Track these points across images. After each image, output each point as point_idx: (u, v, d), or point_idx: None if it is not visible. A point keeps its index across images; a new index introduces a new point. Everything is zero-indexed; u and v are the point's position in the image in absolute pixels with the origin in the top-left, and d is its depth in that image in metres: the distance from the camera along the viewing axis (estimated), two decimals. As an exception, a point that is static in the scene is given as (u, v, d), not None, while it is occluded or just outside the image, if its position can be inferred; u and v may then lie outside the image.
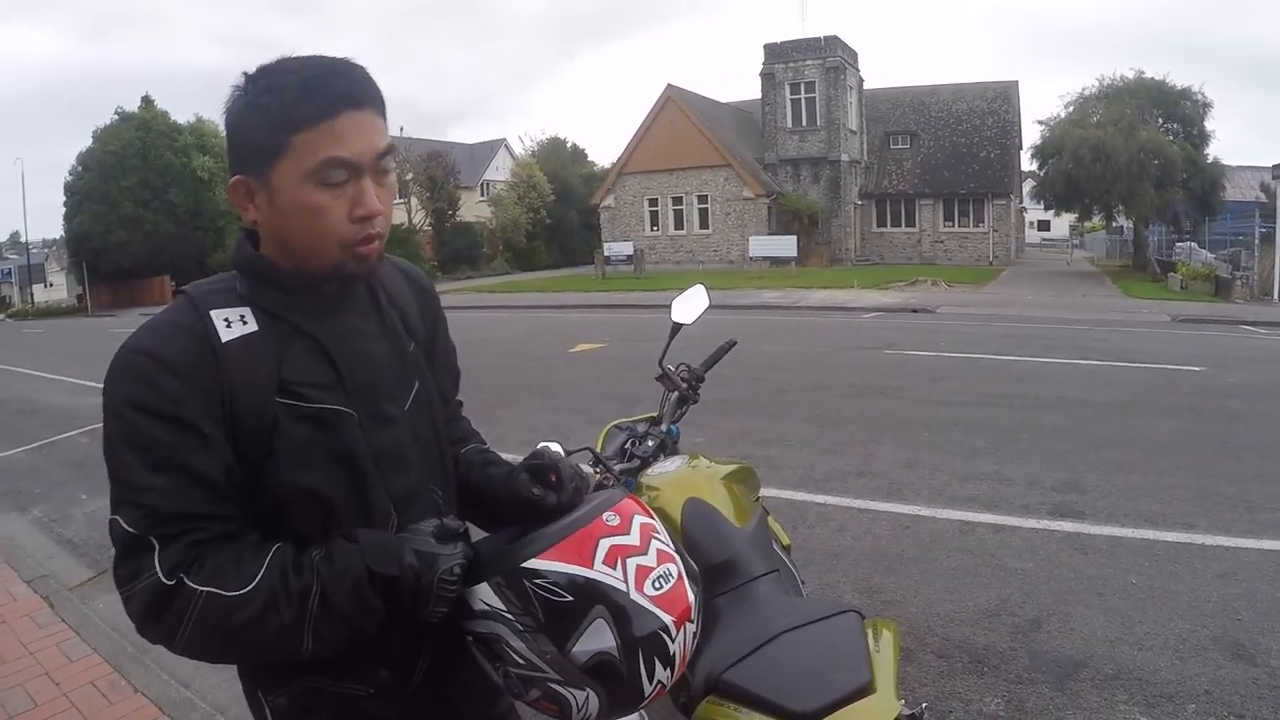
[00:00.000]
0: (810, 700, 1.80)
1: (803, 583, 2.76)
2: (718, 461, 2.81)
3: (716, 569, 2.26)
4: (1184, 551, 4.91)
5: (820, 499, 6.17)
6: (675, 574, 1.38)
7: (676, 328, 3.04)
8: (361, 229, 1.29)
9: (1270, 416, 8.28)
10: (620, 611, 1.30)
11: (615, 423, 3.08)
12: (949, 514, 5.74)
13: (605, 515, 1.35)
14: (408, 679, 1.47)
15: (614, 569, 1.30)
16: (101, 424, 1.24)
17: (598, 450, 2.69)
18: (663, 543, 1.41)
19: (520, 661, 1.32)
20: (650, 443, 2.86)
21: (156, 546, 1.19)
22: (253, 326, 1.30)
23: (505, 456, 1.69)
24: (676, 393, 3.02)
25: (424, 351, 1.56)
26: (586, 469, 2.49)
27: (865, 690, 1.83)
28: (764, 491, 3.09)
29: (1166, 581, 4.53)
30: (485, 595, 1.31)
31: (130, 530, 1.19)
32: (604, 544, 1.32)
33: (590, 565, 1.29)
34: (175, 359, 1.22)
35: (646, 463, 2.78)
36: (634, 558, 1.33)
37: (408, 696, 1.48)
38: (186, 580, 1.19)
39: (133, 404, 1.21)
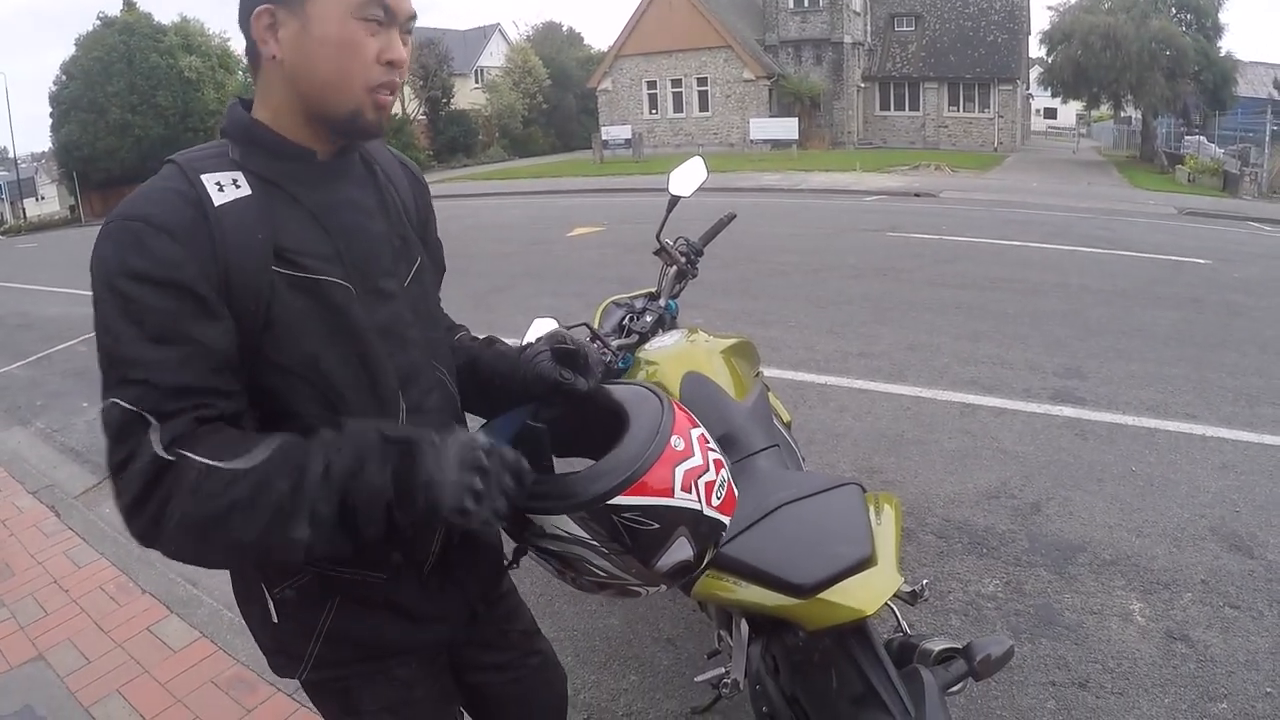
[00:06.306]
0: (810, 573, 1.77)
1: (803, 459, 2.72)
2: (717, 336, 2.74)
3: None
4: (1184, 442, 4.89)
5: (821, 379, 6.14)
6: (727, 478, 1.48)
7: (674, 200, 2.94)
8: (387, 74, 1.27)
9: (1275, 312, 8.19)
10: (697, 526, 1.40)
11: (612, 299, 3.04)
12: (950, 396, 5.72)
13: (672, 440, 1.39)
14: (422, 562, 1.44)
15: (690, 493, 1.38)
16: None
17: (594, 326, 2.62)
18: (712, 447, 1.48)
19: (602, 575, 1.43)
20: (648, 318, 2.81)
21: (156, 424, 1.10)
22: (245, 190, 1.22)
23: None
24: (675, 267, 2.96)
25: (419, 238, 1.52)
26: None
27: (866, 563, 1.80)
28: (765, 371, 3.03)
29: (1166, 470, 4.51)
30: (565, 525, 1.36)
31: (130, 408, 1.10)
32: (679, 471, 1.38)
33: (672, 494, 1.36)
34: (170, 222, 1.14)
35: (645, 338, 2.73)
36: (702, 477, 1.41)
37: (420, 581, 1.45)
38: (185, 454, 1.09)
39: (128, 273, 1.12)
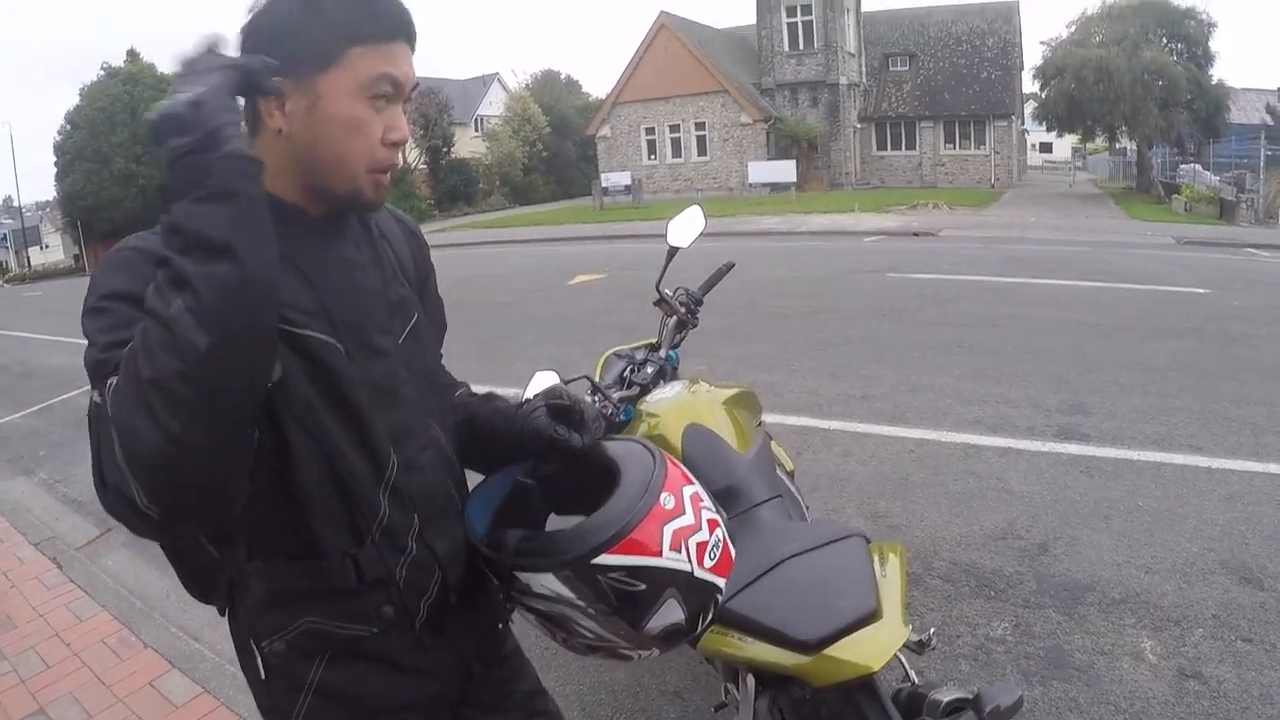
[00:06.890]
0: (815, 629, 1.77)
1: (807, 508, 2.72)
2: (718, 386, 2.76)
3: (718, 495, 2.20)
4: (1190, 474, 4.87)
5: (824, 424, 6.13)
6: (722, 538, 1.44)
7: (673, 251, 2.97)
8: (389, 155, 1.30)
9: (1276, 340, 8.18)
10: (688, 588, 1.36)
11: (613, 350, 3.05)
12: (954, 437, 5.70)
13: (662, 498, 1.36)
14: (413, 617, 1.42)
15: (679, 552, 1.34)
16: None
17: (595, 378, 2.64)
18: (707, 506, 1.44)
19: (590, 636, 1.39)
20: (649, 369, 2.82)
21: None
22: None
23: (503, 391, 1.67)
24: (675, 317, 2.97)
25: (416, 295, 1.52)
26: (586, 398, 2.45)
27: (871, 617, 1.79)
28: (767, 417, 3.04)
29: (1173, 504, 4.49)
30: (550, 584, 1.34)
31: (98, 401, 1.06)
32: (668, 530, 1.34)
33: (660, 554, 1.32)
34: (158, 252, 1.10)
35: (646, 389, 2.74)
36: (693, 536, 1.37)
37: (412, 636, 1.43)
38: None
39: (115, 295, 1.14)
